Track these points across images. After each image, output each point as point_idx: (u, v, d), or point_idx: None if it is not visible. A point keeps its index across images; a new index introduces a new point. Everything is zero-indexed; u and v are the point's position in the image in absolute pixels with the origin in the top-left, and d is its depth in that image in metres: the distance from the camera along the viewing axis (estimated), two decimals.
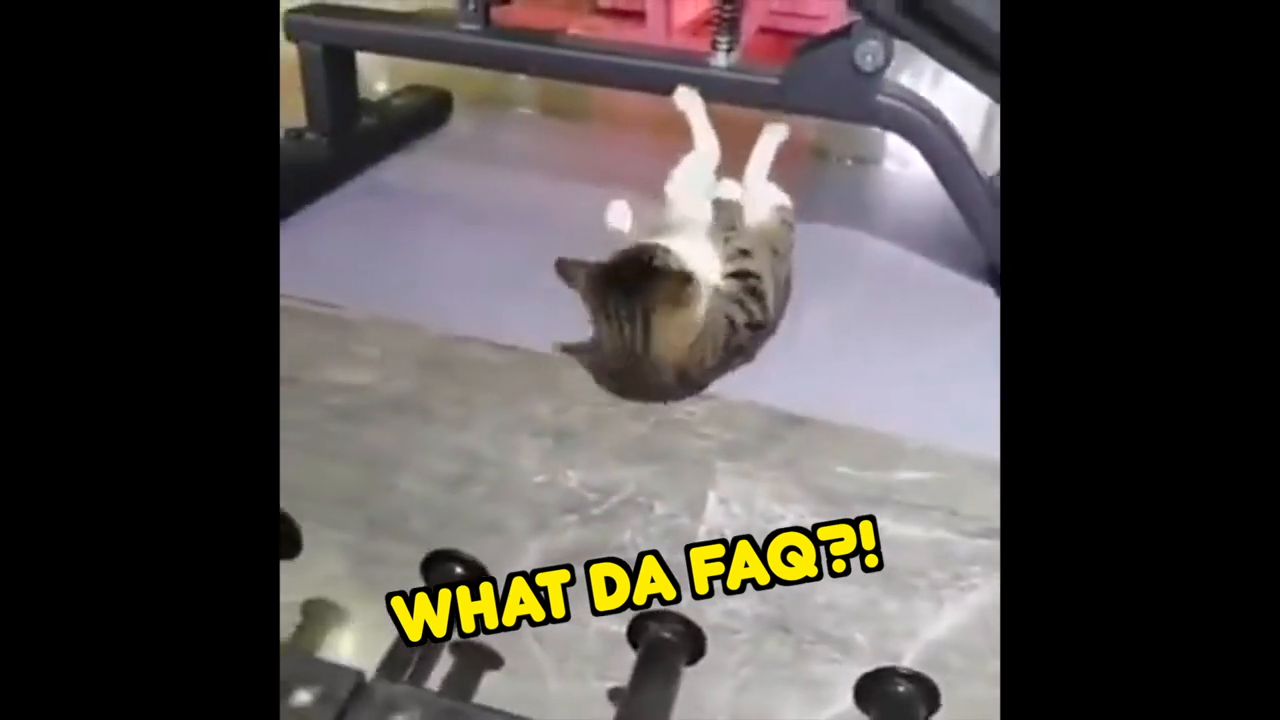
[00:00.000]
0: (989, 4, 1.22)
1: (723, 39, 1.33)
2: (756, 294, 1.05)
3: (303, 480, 0.97)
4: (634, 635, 0.46)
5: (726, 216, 1.12)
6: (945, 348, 1.23)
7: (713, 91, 1.30)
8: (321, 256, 1.39)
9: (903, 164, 1.86)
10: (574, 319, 1.08)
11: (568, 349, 1.06)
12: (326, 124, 1.52)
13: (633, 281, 1.02)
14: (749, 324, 1.04)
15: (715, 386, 1.15)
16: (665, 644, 0.45)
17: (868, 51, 1.25)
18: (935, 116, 1.33)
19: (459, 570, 0.51)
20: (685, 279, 1.00)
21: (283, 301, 1.27)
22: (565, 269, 1.07)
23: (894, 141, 1.89)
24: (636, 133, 2.04)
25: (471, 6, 1.40)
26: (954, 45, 1.26)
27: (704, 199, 1.20)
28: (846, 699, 0.78)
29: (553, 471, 1.01)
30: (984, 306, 1.32)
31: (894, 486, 1.00)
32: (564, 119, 2.08)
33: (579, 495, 0.99)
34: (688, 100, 1.21)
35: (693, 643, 0.46)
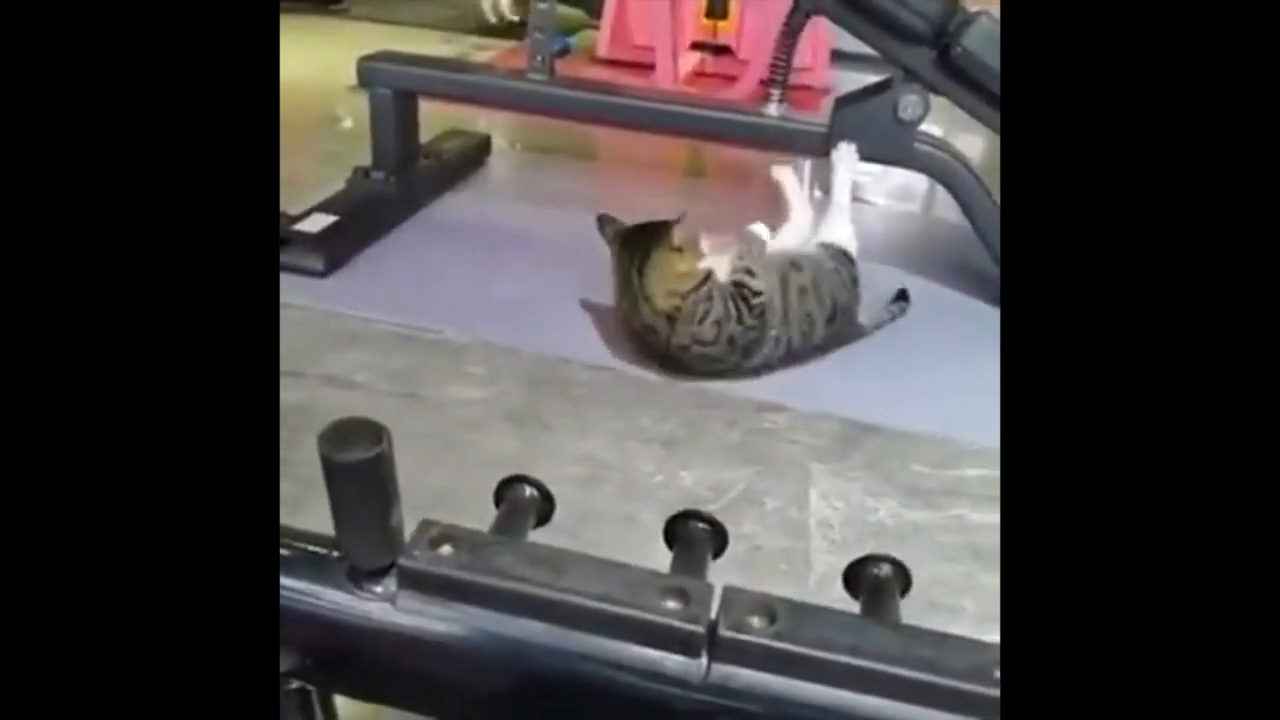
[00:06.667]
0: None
1: (775, 91, 1.48)
2: (749, 303, 1.26)
3: (445, 484, 1.07)
4: (852, 578, 0.58)
5: (747, 245, 1.32)
6: (977, 363, 1.38)
7: (768, 138, 1.46)
8: (409, 286, 1.49)
9: (903, 202, 2.06)
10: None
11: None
12: (392, 164, 1.62)
13: (646, 235, 1.28)
14: (740, 321, 1.25)
15: (791, 400, 1.30)
16: (884, 581, 0.57)
17: (909, 104, 1.41)
18: (961, 159, 1.50)
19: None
20: (689, 242, 1.24)
21: (388, 328, 1.39)
22: (602, 224, 1.33)
23: (892, 182, 2.10)
24: (635, 169, 2.22)
25: (540, 59, 1.53)
26: (976, 94, 1.44)
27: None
28: None
29: (668, 473, 1.13)
30: (993, 327, 1.49)
31: (965, 481, 1.15)
32: (578, 159, 2.22)
33: (696, 493, 1.11)
34: (784, 175, 1.36)
35: (904, 581, 0.58)
